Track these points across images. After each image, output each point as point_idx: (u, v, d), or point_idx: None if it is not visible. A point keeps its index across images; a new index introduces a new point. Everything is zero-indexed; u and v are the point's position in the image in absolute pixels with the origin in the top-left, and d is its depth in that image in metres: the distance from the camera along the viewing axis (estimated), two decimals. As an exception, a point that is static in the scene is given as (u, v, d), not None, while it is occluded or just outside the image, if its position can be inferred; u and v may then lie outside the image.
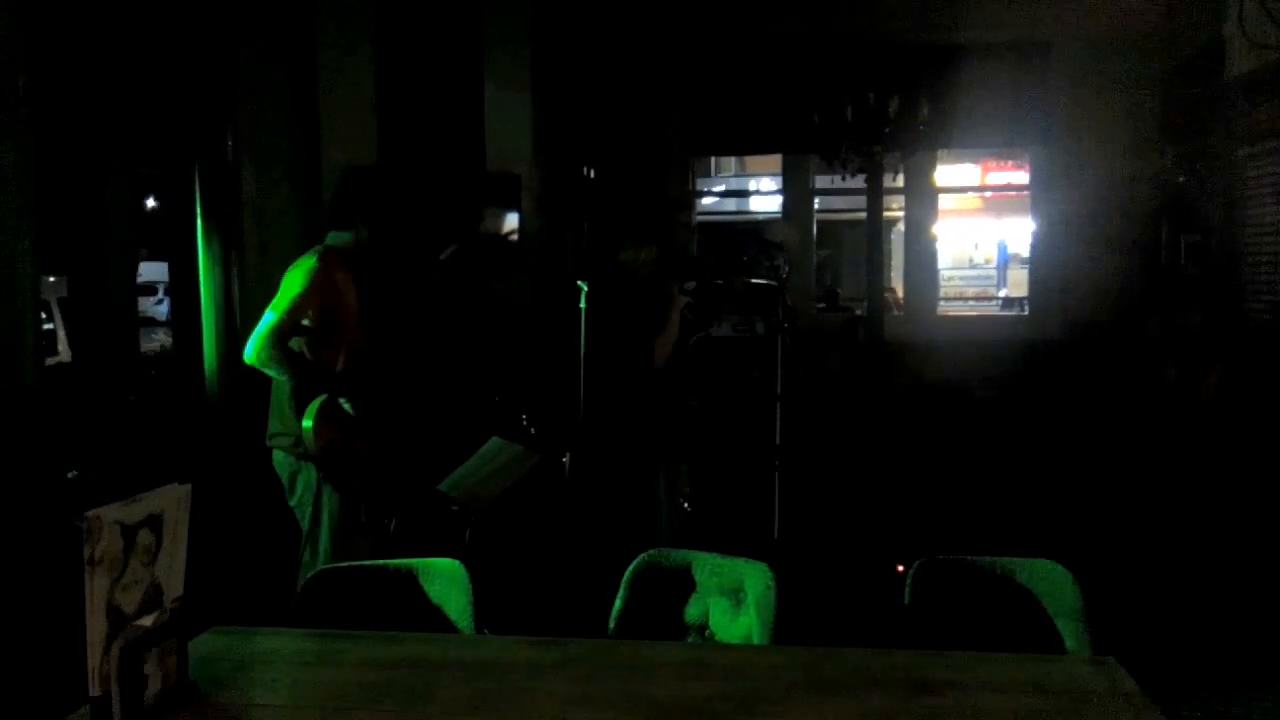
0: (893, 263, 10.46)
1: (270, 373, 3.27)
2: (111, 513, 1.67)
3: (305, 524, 3.38)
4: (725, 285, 5.45)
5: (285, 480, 3.41)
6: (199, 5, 4.77)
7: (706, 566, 2.49)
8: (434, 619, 2.41)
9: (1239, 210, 6.37)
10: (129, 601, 1.71)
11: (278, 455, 3.41)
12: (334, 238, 3.44)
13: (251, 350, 3.21)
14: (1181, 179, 7.21)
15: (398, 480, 3.63)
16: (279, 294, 3.27)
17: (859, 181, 7.37)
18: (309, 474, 3.35)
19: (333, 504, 3.36)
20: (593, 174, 7.85)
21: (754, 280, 5.88)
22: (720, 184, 13.65)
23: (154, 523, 1.75)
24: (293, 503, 3.41)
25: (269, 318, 3.23)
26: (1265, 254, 6.10)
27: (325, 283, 3.28)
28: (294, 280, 3.28)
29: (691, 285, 4.21)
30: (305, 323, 3.27)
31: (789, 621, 2.31)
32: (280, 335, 3.22)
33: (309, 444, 3.27)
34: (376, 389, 3.43)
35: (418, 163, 6.02)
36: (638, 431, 4.05)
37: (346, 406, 3.32)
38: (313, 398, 3.28)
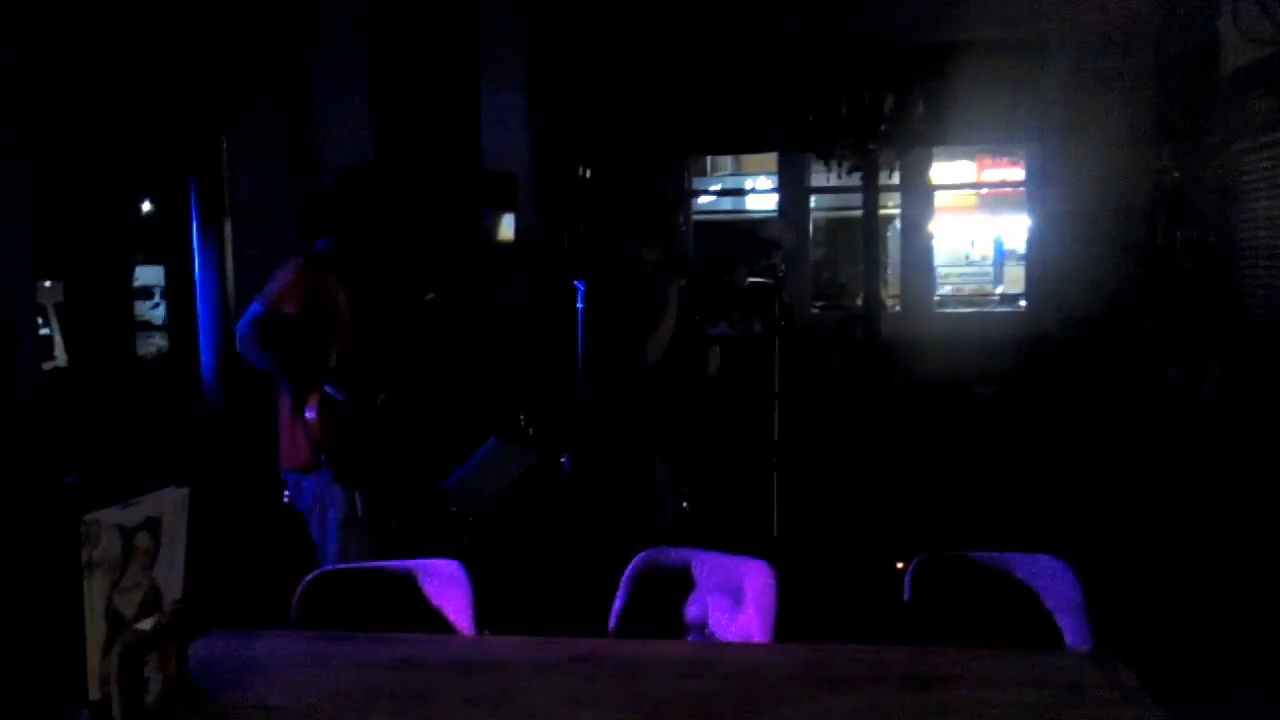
0: (888, 260, 10.44)
1: (255, 360, 3.27)
2: (110, 516, 1.67)
3: (313, 528, 3.40)
4: (723, 284, 5.45)
5: (295, 491, 3.44)
6: (194, 10, 4.77)
7: (706, 565, 2.49)
8: (434, 620, 2.41)
9: (1235, 205, 6.37)
10: (128, 605, 1.71)
11: (289, 472, 3.43)
12: (324, 244, 3.43)
13: (239, 338, 3.23)
14: (1177, 174, 7.22)
15: (399, 481, 3.63)
16: (265, 286, 3.30)
17: (855, 179, 7.37)
18: (314, 480, 3.37)
19: (338, 502, 3.36)
20: (588, 174, 7.84)
21: (751, 279, 5.89)
22: (716, 183, 13.62)
23: (152, 526, 1.75)
24: (301, 509, 3.44)
25: (254, 307, 3.24)
26: (1262, 248, 6.10)
27: (310, 279, 3.29)
28: (279, 273, 3.31)
29: (682, 283, 4.18)
30: (289, 312, 3.24)
31: (789, 619, 2.31)
32: (264, 322, 3.21)
33: (313, 435, 3.28)
34: (367, 383, 3.42)
35: (414, 163, 6.01)
36: (634, 426, 4.04)
37: (336, 395, 3.31)
38: (308, 394, 3.28)
